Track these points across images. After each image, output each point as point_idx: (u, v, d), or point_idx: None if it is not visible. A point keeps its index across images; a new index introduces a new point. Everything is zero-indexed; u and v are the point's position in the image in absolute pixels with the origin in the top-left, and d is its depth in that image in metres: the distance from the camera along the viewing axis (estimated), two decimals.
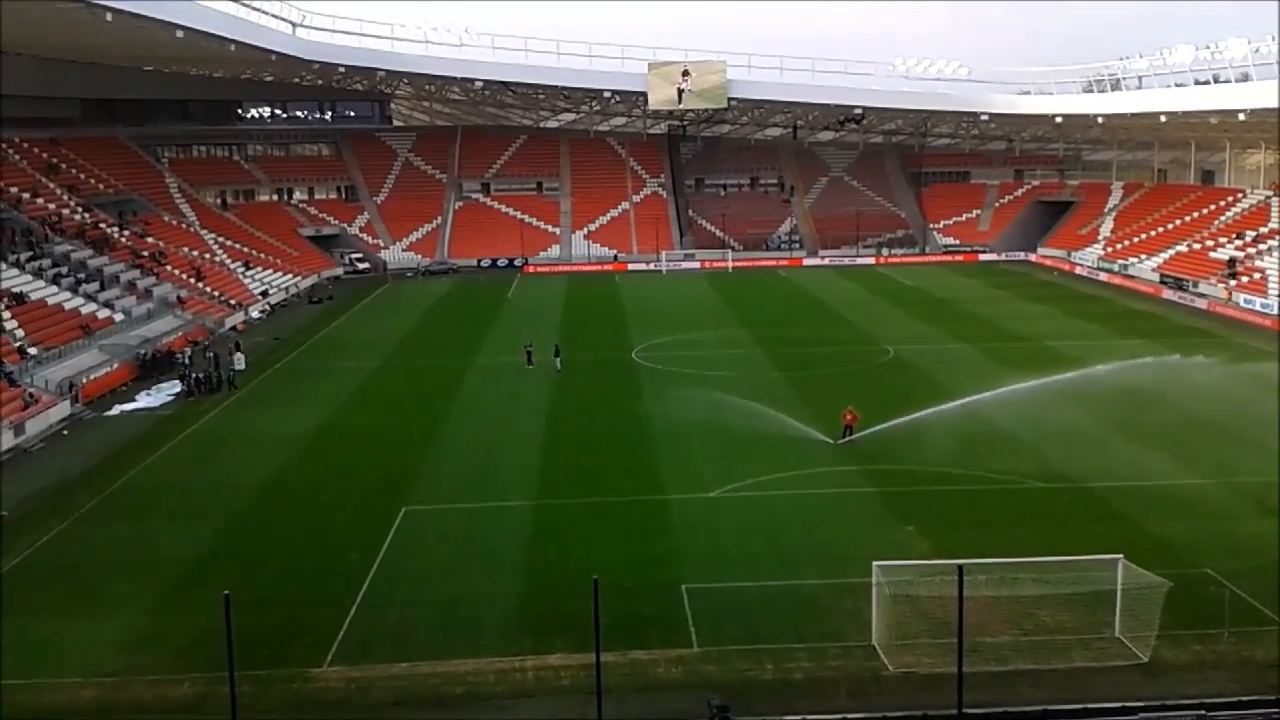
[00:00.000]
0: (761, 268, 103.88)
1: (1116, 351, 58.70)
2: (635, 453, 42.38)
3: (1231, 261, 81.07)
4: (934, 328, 68.42)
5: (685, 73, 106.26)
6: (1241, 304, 73.96)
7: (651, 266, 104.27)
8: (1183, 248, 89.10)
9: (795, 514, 34.89)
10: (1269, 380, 48.96)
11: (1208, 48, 79.74)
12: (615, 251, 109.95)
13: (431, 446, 44.05)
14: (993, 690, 23.33)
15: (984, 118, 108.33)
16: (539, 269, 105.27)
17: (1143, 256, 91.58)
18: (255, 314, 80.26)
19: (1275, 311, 69.90)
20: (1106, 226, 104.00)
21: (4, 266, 63.87)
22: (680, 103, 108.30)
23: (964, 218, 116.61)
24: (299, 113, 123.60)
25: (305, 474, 40.97)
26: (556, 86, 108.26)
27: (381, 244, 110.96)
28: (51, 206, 79.58)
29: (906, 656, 24.94)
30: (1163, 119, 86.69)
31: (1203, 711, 21.21)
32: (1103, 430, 43.26)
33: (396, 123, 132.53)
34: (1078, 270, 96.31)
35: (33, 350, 55.07)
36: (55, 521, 35.83)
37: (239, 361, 59.61)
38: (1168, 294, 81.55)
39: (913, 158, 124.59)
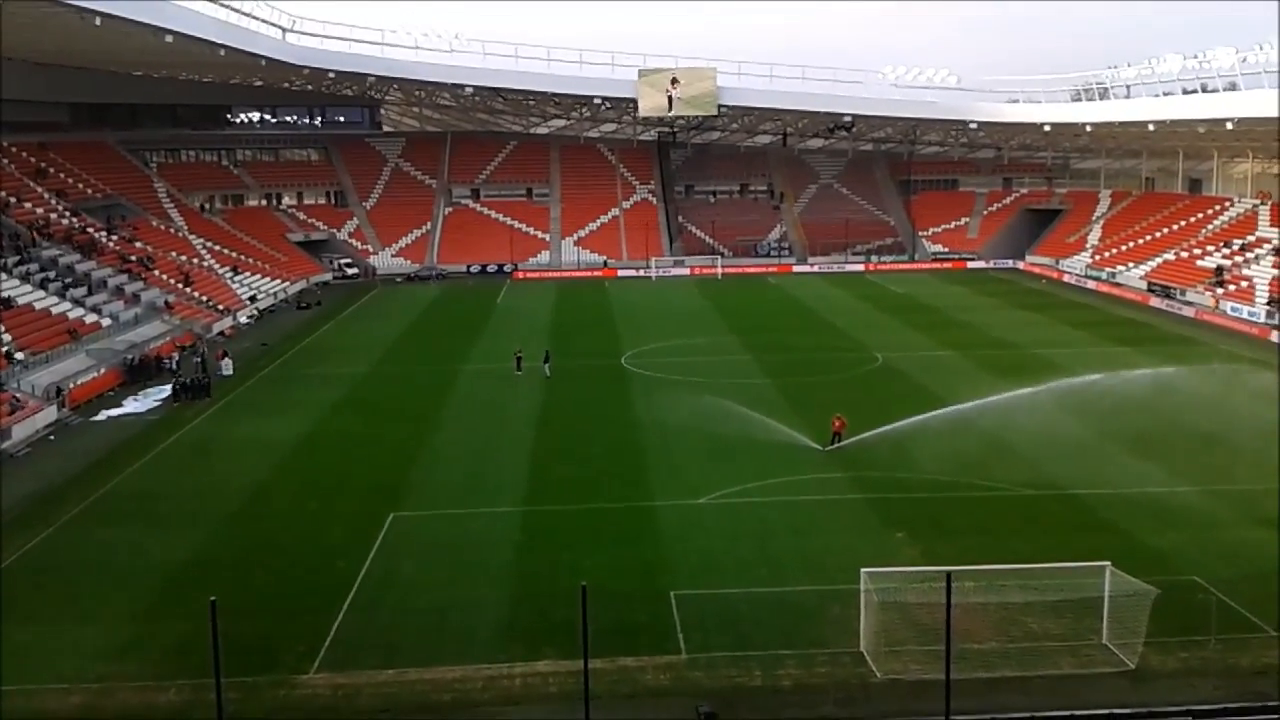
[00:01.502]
0: (751, 274, 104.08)
1: (1104, 359, 58.90)
2: (624, 459, 42.37)
3: (1219, 270, 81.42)
4: (923, 335, 68.59)
5: (675, 80, 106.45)
6: (1229, 312, 74.26)
7: (641, 273, 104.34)
8: (1170, 256, 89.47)
9: (784, 521, 34.90)
10: (1255, 389, 49.16)
11: (1195, 57, 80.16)
12: (605, 258, 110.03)
13: (420, 453, 43.97)
14: (980, 697, 23.35)
15: (973, 126, 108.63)
16: (529, 275, 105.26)
17: (1130, 264, 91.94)
18: (243, 319, 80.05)
19: (1262, 320, 70.26)
20: (1094, 234, 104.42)
21: None
22: (670, 109, 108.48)
23: (953, 225, 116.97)
24: (288, 118, 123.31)
25: (293, 480, 40.87)
26: (547, 93, 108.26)
27: (371, 249, 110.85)
28: (39, 211, 79.29)
29: (894, 663, 24.95)
30: (1151, 128, 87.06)
31: (1190, 718, 21.27)
32: (1092, 438, 43.36)
33: (386, 128, 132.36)
34: (1066, 278, 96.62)
35: (20, 355, 54.85)
36: (41, 527, 35.66)
37: (226, 367, 59.54)
38: (1155, 302, 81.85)
39: (902, 165, 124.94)
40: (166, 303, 73.76)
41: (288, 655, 26.01)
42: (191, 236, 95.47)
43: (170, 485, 40.50)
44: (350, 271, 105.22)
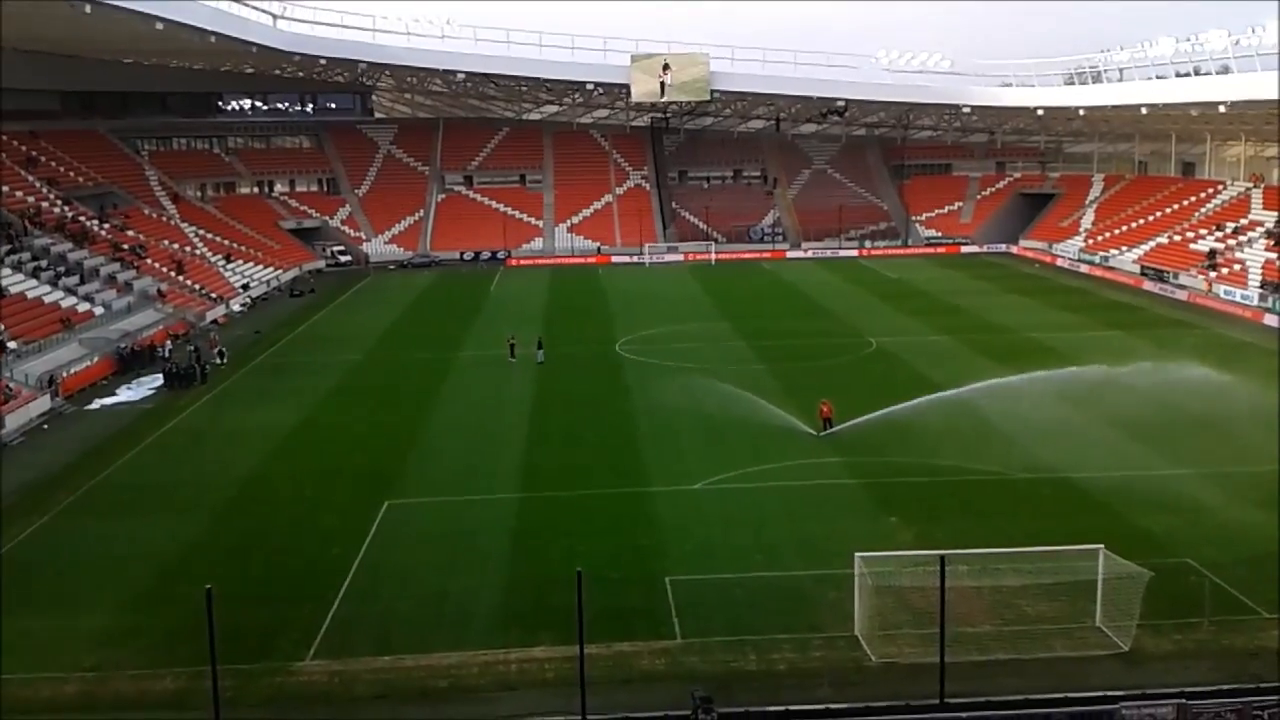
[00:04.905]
0: (744, 260, 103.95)
1: (1097, 343, 59.01)
2: (619, 445, 42.37)
3: (1212, 253, 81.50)
4: (916, 319, 68.60)
5: (667, 65, 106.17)
6: (1222, 295, 74.36)
7: (635, 259, 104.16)
8: (1163, 239, 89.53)
9: (779, 506, 34.95)
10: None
11: (1188, 40, 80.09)
12: (599, 244, 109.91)
13: (414, 440, 43.96)
14: (975, 680, 23.44)
15: (966, 110, 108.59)
16: (522, 262, 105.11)
17: (1124, 248, 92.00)
18: (236, 307, 79.92)
19: (1255, 303, 70.37)
20: (1088, 218, 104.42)
21: None
22: (663, 95, 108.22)
23: (946, 210, 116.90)
24: (280, 105, 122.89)
25: (287, 468, 40.84)
26: (539, 79, 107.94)
27: (363, 237, 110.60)
28: (31, 200, 79.01)
29: (889, 647, 25.04)
30: (1143, 111, 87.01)
31: (1183, 700, 21.35)
32: (1084, 421, 43.40)
33: (378, 115, 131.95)
34: (1059, 262, 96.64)
35: (12, 344, 54.70)
36: (36, 516, 35.64)
37: (219, 355, 59.47)
38: (1148, 285, 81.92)
39: (895, 150, 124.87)
40: (159, 291, 73.60)
41: (283, 643, 26.06)
42: (183, 224, 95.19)
43: (165, 474, 40.46)
44: (343, 259, 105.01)
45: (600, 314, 74.53)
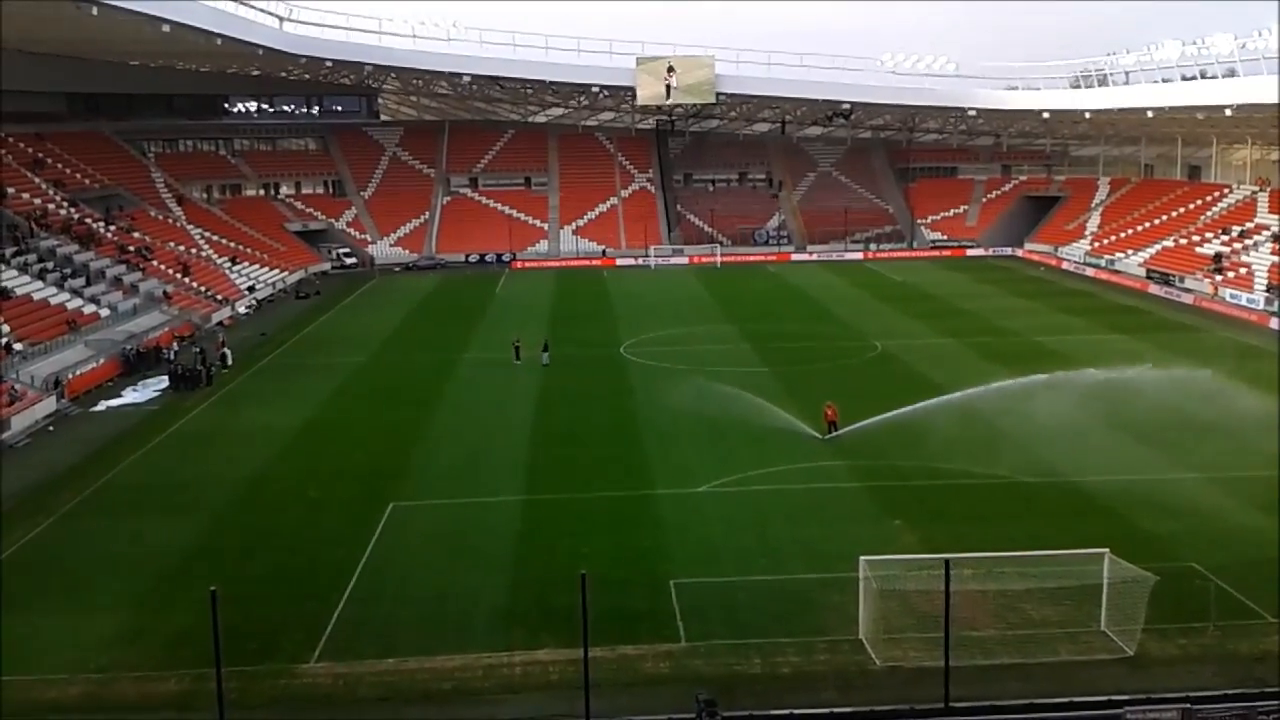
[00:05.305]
0: (750, 263, 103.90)
1: (1103, 346, 58.90)
2: (623, 448, 42.38)
3: (1218, 256, 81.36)
4: (921, 323, 68.53)
5: (672, 68, 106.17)
6: (1227, 299, 74.23)
7: (640, 262, 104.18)
8: (1169, 243, 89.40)
9: (783, 509, 34.93)
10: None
11: (1194, 43, 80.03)
12: (604, 247, 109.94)
13: (419, 442, 43.99)
14: (979, 684, 23.42)
15: (971, 113, 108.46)
16: (527, 264, 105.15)
17: (1129, 252, 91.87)
18: (242, 309, 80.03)
19: (1261, 306, 70.24)
20: (1093, 222, 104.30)
21: None
22: (668, 98, 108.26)
23: (951, 213, 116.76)
24: (286, 107, 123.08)
25: (292, 470, 40.88)
26: (545, 81, 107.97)
27: (369, 239, 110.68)
28: (37, 201, 79.14)
29: (893, 650, 25.01)
30: (1149, 114, 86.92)
31: (1188, 705, 21.31)
32: (1089, 425, 43.31)
33: (384, 117, 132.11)
34: (1065, 265, 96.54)
35: (18, 346, 54.81)
36: (41, 517, 35.71)
37: (224, 358, 59.53)
38: (1154, 289, 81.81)
39: (900, 153, 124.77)
40: (165, 293, 73.69)
41: (288, 644, 26.09)
42: (189, 226, 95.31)
43: (170, 475, 40.53)
44: (349, 261, 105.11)
45: (605, 316, 74.55)
